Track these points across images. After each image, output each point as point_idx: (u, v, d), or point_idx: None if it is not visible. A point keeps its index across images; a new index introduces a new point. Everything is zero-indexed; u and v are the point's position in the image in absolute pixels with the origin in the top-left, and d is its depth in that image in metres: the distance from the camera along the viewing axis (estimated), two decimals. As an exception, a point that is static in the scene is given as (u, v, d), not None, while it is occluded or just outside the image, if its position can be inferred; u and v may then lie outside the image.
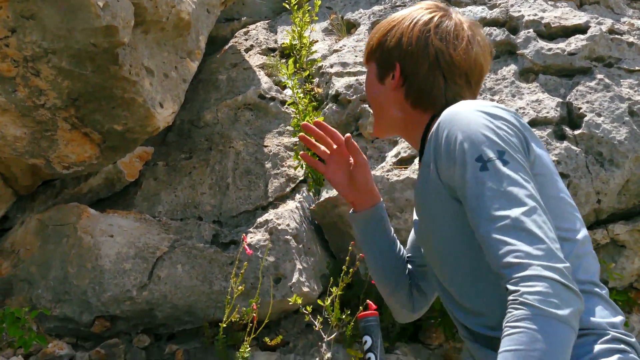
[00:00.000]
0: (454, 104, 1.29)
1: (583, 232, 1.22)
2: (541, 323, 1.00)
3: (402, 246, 1.59)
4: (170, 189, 3.21)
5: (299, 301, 2.48)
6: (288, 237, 2.88)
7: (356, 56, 3.58)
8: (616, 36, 3.35)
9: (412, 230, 1.62)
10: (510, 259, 1.05)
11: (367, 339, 1.02)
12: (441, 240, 1.28)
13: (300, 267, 2.84)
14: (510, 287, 1.04)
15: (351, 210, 1.53)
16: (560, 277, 1.03)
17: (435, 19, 1.40)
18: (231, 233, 3.00)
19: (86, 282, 2.71)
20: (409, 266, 1.58)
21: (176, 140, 3.47)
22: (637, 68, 3.23)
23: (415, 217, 1.55)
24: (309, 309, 2.58)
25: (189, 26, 2.84)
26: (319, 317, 2.79)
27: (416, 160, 3.11)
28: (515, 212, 1.08)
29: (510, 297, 1.04)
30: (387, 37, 1.42)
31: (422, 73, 1.38)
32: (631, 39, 3.36)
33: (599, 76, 3.17)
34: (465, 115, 1.20)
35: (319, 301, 2.82)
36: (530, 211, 1.09)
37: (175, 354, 2.77)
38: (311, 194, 3.24)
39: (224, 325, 2.53)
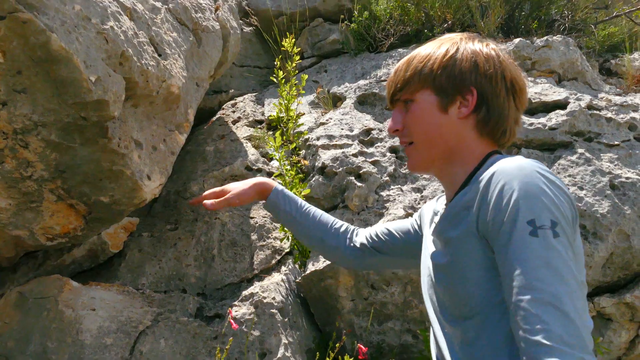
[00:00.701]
0: (514, 136, 1.37)
1: (591, 322, 1.19)
2: None
3: (320, 214, 1.81)
4: (155, 260, 3.18)
5: None
6: (273, 310, 2.84)
7: (342, 129, 3.63)
8: (595, 112, 3.45)
9: (400, 222, 1.70)
10: (540, 338, 1.02)
11: None
12: (459, 284, 1.24)
13: (286, 341, 2.79)
14: None
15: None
16: None
17: (492, 44, 1.37)
18: (216, 306, 2.96)
19: (65, 357, 2.64)
20: (365, 241, 1.73)
21: (162, 211, 3.46)
22: (616, 143, 3.31)
23: (411, 223, 1.65)
24: None
25: (178, 100, 2.88)
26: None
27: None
28: (556, 290, 1.05)
29: None
30: (455, 60, 1.34)
31: (501, 98, 1.34)
32: (609, 114, 3.45)
33: (580, 150, 3.24)
34: (526, 174, 1.14)
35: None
36: (571, 293, 1.06)
37: None
38: (297, 266, 3.21)
39: (208, 403, 2.46)
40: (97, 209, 2.68)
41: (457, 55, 1.34)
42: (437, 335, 1.33)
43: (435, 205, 1.54)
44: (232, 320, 2.46)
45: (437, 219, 1.43)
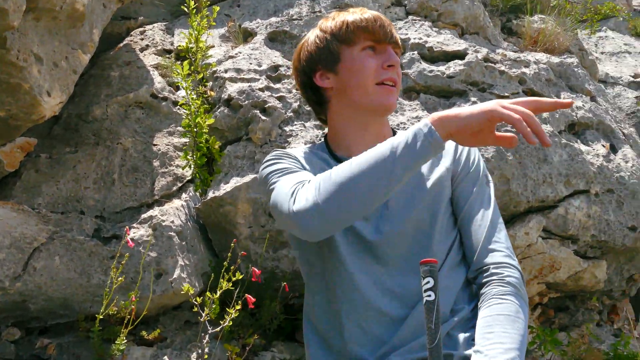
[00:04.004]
0: None
1: None
2: (520, 300, 1.43)
3: None
4: (52, 181, 3.15)
5: (191, 291, 2.50)
6: (172, 233, 2.91)
7: (250, 63, 3.67)
8: (490, 64, 3.66)
9: None
10: (501, 247, 1.51)
11: (430, 280, 1.17)
12: (443, 214, 1.58)
13: (182, 263, 2.88)
14: (495, 269, 1.48)
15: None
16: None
17: None
18: (114, 228, 2.99)
19: (-45, 271, 2.61)
20: None
21: (62, 134, 3.40)
22: (506, 94, 3.54)
23: None
24: (199, 300, 2.60)
25: (82, 17, 2.82)
26: (205, 310, 2.83)
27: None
28: (500, 218, 1.57)
29: (495, 277, 1.47)
30: None
31: None
32: (503, 68, 3.67)
33: (473, 99, 3.45)
34: None
35: (208, 294, 2.86)
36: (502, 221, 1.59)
37: (47, 348, 2.71)
38: (198, 193, 3.28)
39: (101, 317, 2.52)
40: (-7, 123, 2.63)
41: None
42: (396, 277, 1.53)
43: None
44: (129, 239, 2.52)
45: None
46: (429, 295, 1.18)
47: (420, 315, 1.45)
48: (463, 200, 1.59)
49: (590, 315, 3.83)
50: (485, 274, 1.49)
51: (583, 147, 3.57)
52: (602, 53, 6.68)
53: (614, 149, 3.75)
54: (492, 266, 1.48)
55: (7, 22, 2.25)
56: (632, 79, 6.20)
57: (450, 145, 1.64)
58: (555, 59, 4.07)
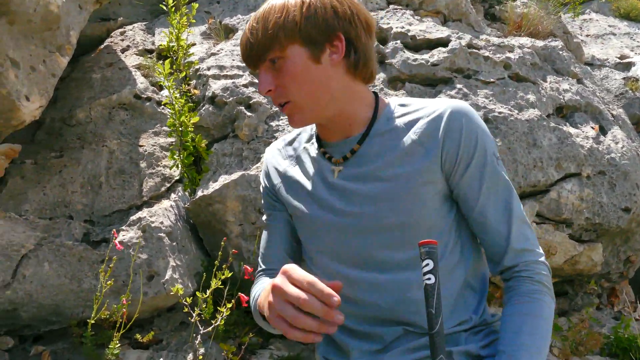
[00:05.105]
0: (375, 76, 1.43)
1: None
2: (548, 298, 1.35)
3: None
4: (38, 187, 3.10)
5: (181, 291, 2.44)
6: (162, 234, 2.88)
7: (233, 60, 3.64)
8: (474, 50, 3.64)
9: (278, 233, 1.56)
10: (525, 245, 1.36)
11: (429, 262, 1.09)
12: (417, 214, 1.33)
13: (174, 264, 2.84)
14: (523, 267, 1.36)
15: None
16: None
17: None
18: (103, 232, 2.95)
19: (-58, 282, 2.57)
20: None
21: (46, 139, 3.36)
22: (491, 80, 3.52)
23: (275, 212, 1.57)
24: (189, 300, 2.55)
25: (58, 20, 2.78)
26: (196, 310, 2.80)
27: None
28: (520, 207, 1.38)
29: (524, 274, 1.35)
30: (315, 8, 1.30)
31: (363, 39, 1.35)
32: (487, 54, 3.65)
33: (459, 86, 3.43)
34: (476, 115, 1.37)
35: (198, 293, 2.83)
36: (521, 206, 1.40)
37: (42, 356, 2.68)
38: (187, 193, 3.24)
39: (93, 322, 2.48)
40: (-27, 131, 2.58)
41: (315, 2, 1.31)
42: (377, 280, 1.36)
43: (291, 150, 1.55)
44: (116, 242, 2.48)
45: (323, 162, 1.44)
46: (429, 279, 1.09)
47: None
48: (473, 197, 1.35)
49: (589, 299, 3.82)
50: (513, 270, 1.38)
51: (572, 130, 3.56)
52: (587, 35, 6.68)
53: (603, 131, 3.74)
54: (521, 264, 1.36)
55: (-18, 27, 2.21)
56: (618, 60, 6.20)
57: (426, 133, 1.34)
58: (539, 43, 4.06)
